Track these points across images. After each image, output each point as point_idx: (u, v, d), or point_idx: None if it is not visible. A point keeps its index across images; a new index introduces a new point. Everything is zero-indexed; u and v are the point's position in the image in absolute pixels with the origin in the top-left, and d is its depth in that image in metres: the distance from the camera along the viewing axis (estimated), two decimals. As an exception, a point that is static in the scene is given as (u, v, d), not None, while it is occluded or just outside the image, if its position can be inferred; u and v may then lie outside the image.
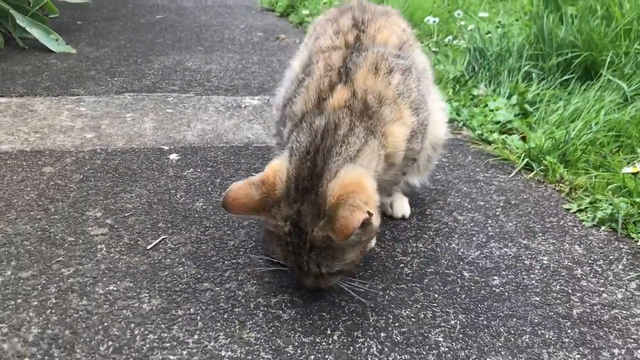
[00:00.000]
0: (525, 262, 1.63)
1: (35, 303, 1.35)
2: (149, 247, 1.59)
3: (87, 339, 1.25)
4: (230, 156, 2.22)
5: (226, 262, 1.55)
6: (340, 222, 1.21)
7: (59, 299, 1.37)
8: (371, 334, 1.32)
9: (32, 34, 3.65)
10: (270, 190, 1.32)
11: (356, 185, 1.27)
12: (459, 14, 4.24)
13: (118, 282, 1.44)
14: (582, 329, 1.37)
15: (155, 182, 1.97)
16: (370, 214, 1.24)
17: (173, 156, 2.19)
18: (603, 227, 1.82)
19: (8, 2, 3.62)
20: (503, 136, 2.54)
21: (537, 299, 1.47)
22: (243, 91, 3.06)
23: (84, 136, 2.34)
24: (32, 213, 1.73)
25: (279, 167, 1.35)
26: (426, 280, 1.52)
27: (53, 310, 1.33)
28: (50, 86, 2.94)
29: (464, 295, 1.47)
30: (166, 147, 2.27)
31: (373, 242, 1.55)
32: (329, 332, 1.31)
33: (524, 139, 2.50)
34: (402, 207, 1.83)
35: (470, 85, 3.18)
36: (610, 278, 1.57)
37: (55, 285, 1.42)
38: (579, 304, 1.46)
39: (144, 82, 3.11)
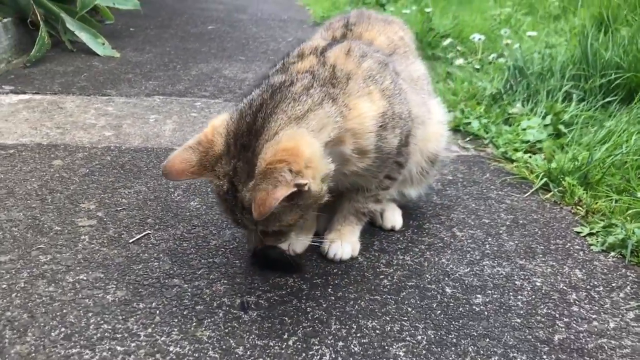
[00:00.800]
0: (516, 282, 1.53)
1: (4, 286, 1.37)
2: (130, 241, 1.60)
3: (42, 324, 1.26)
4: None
5: (202, 260, 1.53)
6: (259, 196, 1.16)
7: (28, 284, 1.39)
8: (329, 342, 1.26)
9: (80, 37, 3.78)
10: (208, 148, 1.29)
11: (291, 152, 1.20)
12: (505, 32, 4.12)
13: (89, 272, 1.45)
14: (560, 355, 1.27)
15: (157, 180, 1.98)
16: (300, 185, 1.18)
17: (182, 157, 2.20)
18: (612, 253, 1.70)
19: (60, 6, 3.78)
20: (527, 155, 2.43)
21: (518, 320, 1.37)
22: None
23: (103, 134, 2.39)
24: (28, 202, 1.77)
25: (219, 123, 1.32)
26: (403, 293, 1.45)
27: (18, 294, 1.35)
28: (85, 86, 3.03)
29: (439, 312, 1.39)
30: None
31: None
32: (285, 336, 1.27)
33: (549, 159, 2.39)
34: (392, 218, 1.76)
35: (505, 103, 3.07)
36: (606, 306, 1.46)
37: (28, 270, 1.44)
38: (563, 329, 1.36)
39: (177, 87, 3.17)
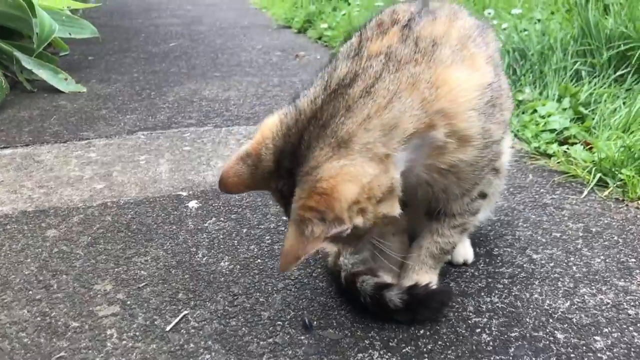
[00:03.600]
0: (629, 312, 1.31)
1: (30, 421, 1.09)
2: (168, 329, 1.32)
3: None
4: (256, 197, 1.95)
5: (261, 342, 1.27)
6: (286, 245, 1.01)
7: (59, 414, 1.10)
8: None
9: (39, 76, 3.44)
10: (257, 162, 1.12)
11: (327, 197, 0.99)
12: (489, 13, 3.92)
13: (131, 383, 1.17)
14: None
15: (173, 239, 1.70)
16: (336, 234, 1.00)
17: (192, 204, 1.93)
18: None
19: (12, 44, 3.43)
20: (564, 147, 2.22)
21: (660, 366, 1.15)
22: (265, 118, 2.79)
23: (94, 187, 2.09)
24: (30, 292, 1.48)
25: (267, 133, 1.12)
26: (512, 349, 1.21)
27: None
28: (59, 131, 2.71)
29: (563, 368, 1.16)
30: (184, 193, 2.01)
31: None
32: None
33: (589, 148, 2.18)
34: (463, 250, 1.52)
35: (514, 90, 2.86)
36: None
37: (55, 393, 1.15)
38: None
39: (158, 118, 2.87)
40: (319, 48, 4.50)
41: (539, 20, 3.77)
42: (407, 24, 1.14)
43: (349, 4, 5.48)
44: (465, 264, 1.51)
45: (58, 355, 1.25)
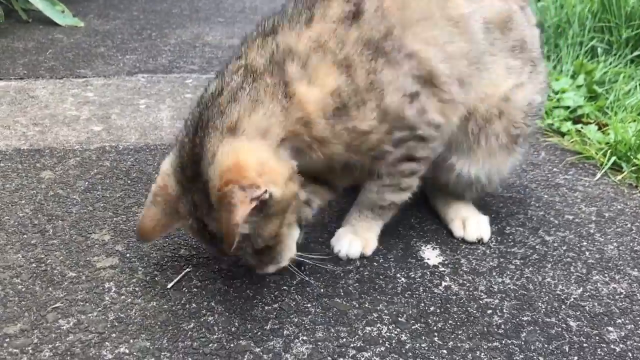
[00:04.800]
0: (644, 304, 1.28)
1: (24, 374, 1.04)
2: (169, 286, 1.27)
3: None
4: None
5: (266, 307, 1.22)
6: (223, 228, 1.07)
7: (55, 369, 1.06)
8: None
9: (35, 5, 3.29)
10: (165, 195, 1.19)
11: (234, 170, 1.08)
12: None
13: (131, 341, 1.12)
14: None
15: (174, 191, 1.64)
16: (258, 197, 1.06)
17: (195, 155, 1.85)
18: None
19: (8, -30, 3.27)
20: (578, 126, 2.17)
21: (674, 363, 1.13)
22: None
23: (91, 129, 2.01)
24: (25, 236, 1.41)
25: (166, 166, 1.21)
26: (524, 334, 1.18)
27: (46, 387, 1.02)
28: (54, 66, 2.60)
29: (577, 358, 1.13)
30: (186, 143, 1.93)
31: (308, 211, 1.38)
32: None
33: (603, 129, 2.13)
34: (478, 227, 1.48)
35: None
36: None
37: (50, 345, 1.10)
38: None
39: (159, 61, 2.76)
40: None
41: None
42: (272, 31, 1.23)
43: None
44: (480, 241, 1.46)
45: (54, 306, 1.20)
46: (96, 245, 1.39)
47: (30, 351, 1.08)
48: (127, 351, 1.10)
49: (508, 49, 1.36)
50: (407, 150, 1.28)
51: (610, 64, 2.66)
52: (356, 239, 1.40)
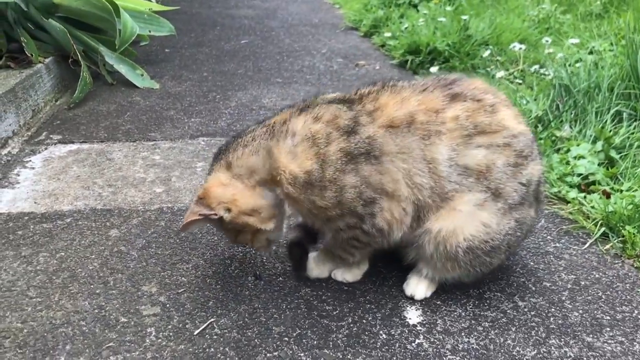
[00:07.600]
0: (587, 367, 1.51)
1: (81, 397, 1.41)
2: (195, 333, 1.61)
3: None
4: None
5: (268, 354, 1.54)
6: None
7: (103, 394, 1.42)
8: None
9: (118, 70, 3.81)
10: None
11: (205, 191, 1.63)
12: (547, 41, 4.01)
13: (160, 376, 1.47)
14: None
15: (213, 250, 2.00)
16: (204, 215, 1.60)
17: (234, 217, 2.21)
18: (683, 323, 1.66)
19: (97, 38, 3.80)
20: (582, 195, 2.37)
21: (594, 420, 1.35)
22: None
23: (154, 190, 2.42)
24: (92, 286, 1.80)
25: None
26: (473, 388, 1.44)
27: (95, 408, 1.38)
28: (130, 130, 3.06)
29: (511, 411, 1.38)
30: (229, 206, 2.30)
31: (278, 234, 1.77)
32: None
33: (608, 196, 2.32)
34: (413, 287, 1.76)
35: (554, 127, 2.99)
36: (682, 394, 1.43)
37: (101, 376, 1.47)
38: None
39: (219, 124, 3.18)
40: (380, 57, 4.69)
41: (594, 50, 3.84)
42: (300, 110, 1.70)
43: (417, 11, 5.62)
44: (412, 297, 1.75)
45: (108, 345, 1.57)
46: (145, 296, 1.76)
47: (87, 380, 1.46)
48: (157, 384, 1.44)
49: (479, 191, 1.58)
50: (354, 233, 1.63)
51: (634, 129, 2.83)
52: (320, 267, 1.84)
